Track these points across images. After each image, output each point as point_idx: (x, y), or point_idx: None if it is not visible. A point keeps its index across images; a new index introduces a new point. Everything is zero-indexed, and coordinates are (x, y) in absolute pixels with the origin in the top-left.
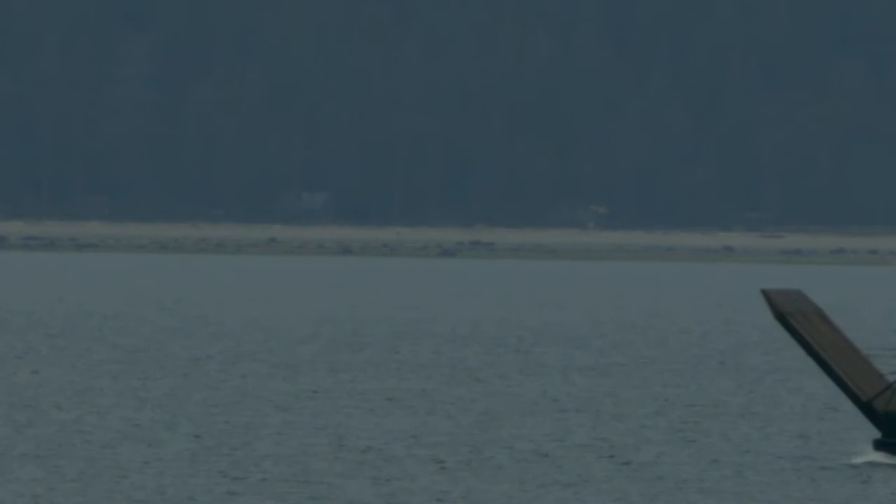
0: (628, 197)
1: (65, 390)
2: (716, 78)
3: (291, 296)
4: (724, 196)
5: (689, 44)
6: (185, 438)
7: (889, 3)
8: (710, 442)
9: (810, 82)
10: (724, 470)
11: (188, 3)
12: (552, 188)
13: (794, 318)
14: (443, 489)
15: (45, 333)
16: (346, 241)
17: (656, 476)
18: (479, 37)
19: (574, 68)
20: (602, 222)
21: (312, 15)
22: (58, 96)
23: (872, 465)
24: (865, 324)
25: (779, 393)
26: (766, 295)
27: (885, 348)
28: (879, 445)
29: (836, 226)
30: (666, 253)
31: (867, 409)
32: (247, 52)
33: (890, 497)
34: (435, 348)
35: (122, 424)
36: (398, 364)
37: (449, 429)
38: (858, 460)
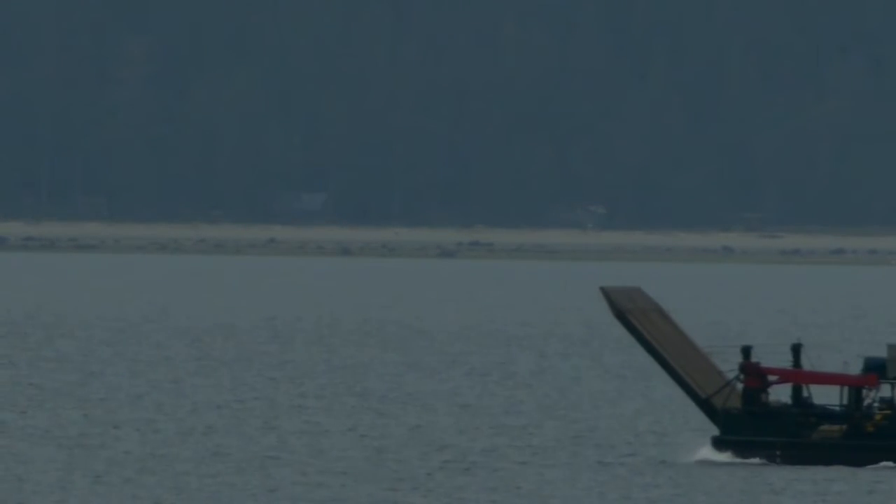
0: (627, 197)
1: None
2: (715, 79)
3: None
4: (722, 197)
5: (689, 44)
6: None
7: (889, 3)
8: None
9: (810, 82)
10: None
11: (188, 4)
12: (551, 188)
13: (634, 315)
14: None
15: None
16: (346, 242)
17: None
18: (478, 37)
19: (574, 68)
20: (601, 223)
21: (312, 15)
22: (58, 96)
23: (711, 462)
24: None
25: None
26: (605, 293)
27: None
28: (718, 443)
29: (835, 226)
30: (665, 253)
31: (706, 406)
32: (247, 52)
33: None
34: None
35: None
36: None
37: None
38: (697, 457)
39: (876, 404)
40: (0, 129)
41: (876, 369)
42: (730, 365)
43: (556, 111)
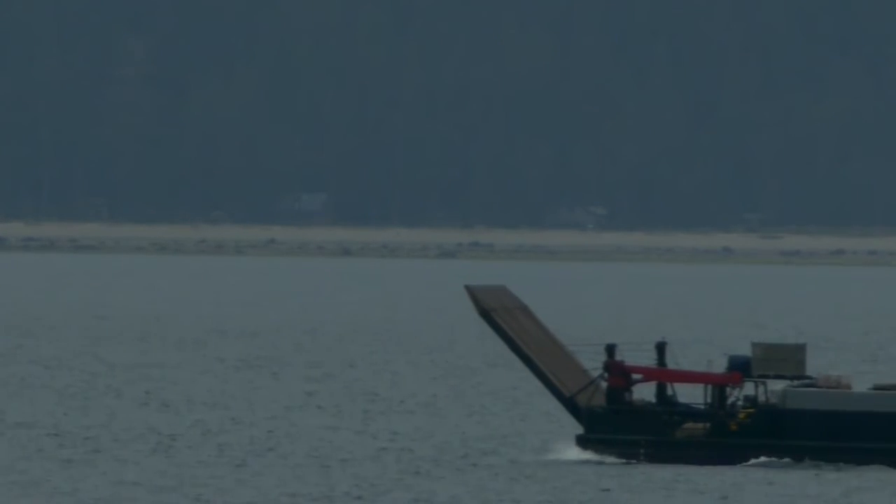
0: (627, 198)
1: None
2: (715, 79)
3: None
4: (722, 197)
5: (689, 45)
6: None
7: (888, 3)
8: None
9: (810, 82)
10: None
11: (188, 4)
12: (551, 189)
13: (498, 314)
14: None
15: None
16: (346, 242)
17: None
18: (479, 37)
19: (574, 69)
20: (601, 223)
21: (312, 15)
22: (58, 96)
23: (575, 461)
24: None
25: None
26: (470, 291)
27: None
28: (582, 441)
29: (835, 226)
30: (665, 254)
31: (570, 404)
32: (247, 53)
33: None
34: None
35: None
36: None
37: None
38: (562, 456)
39: (740, 402)
40: (0, 130)
41: (740, 368)
42: (596, 363)
43: (557, 112)
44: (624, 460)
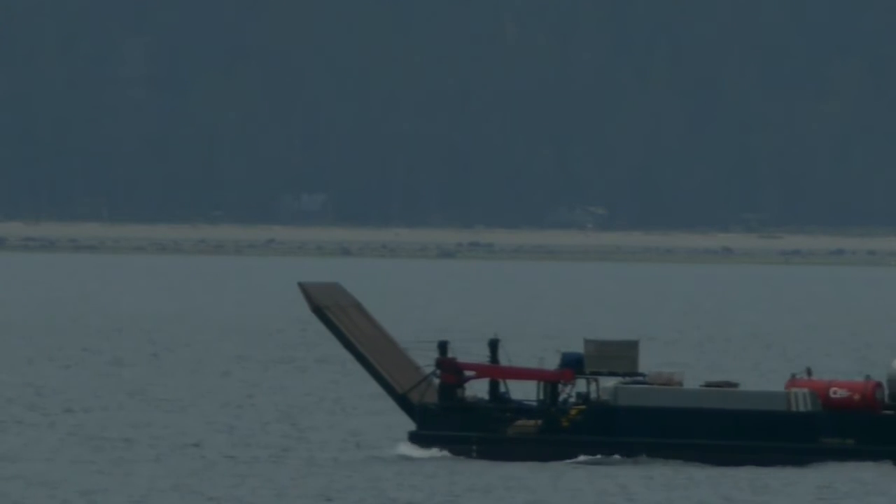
0: (627, 198)
1: None
2: (715, 79)
3: None
4: (722, 197)
5: (689, 45)
6: None
7: (888, 3)
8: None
9: (810, 82)
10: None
11: (188, 4)
12: (551, 189)
13: (331, 311)
14: None
15: None
16: (346, 242)
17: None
18: (479, 37)
19: (574, 69)
20: (601, 223)
21: (312, 16)
22: (58, 96)
23: (407, 457)
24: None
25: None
26: (303, 288)
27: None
28: (415, 438)
29: (835, 226)
30: (664, 254)
31: (403, 401)
32: (247, 53)
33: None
34: None
35: None
36: None
37: None
38: (394, 453)
39: (572, 399)
40: (0, 130)
41: (572, 365)
42: (430, 360)
43: (557, 111)
44: (456, 457)
